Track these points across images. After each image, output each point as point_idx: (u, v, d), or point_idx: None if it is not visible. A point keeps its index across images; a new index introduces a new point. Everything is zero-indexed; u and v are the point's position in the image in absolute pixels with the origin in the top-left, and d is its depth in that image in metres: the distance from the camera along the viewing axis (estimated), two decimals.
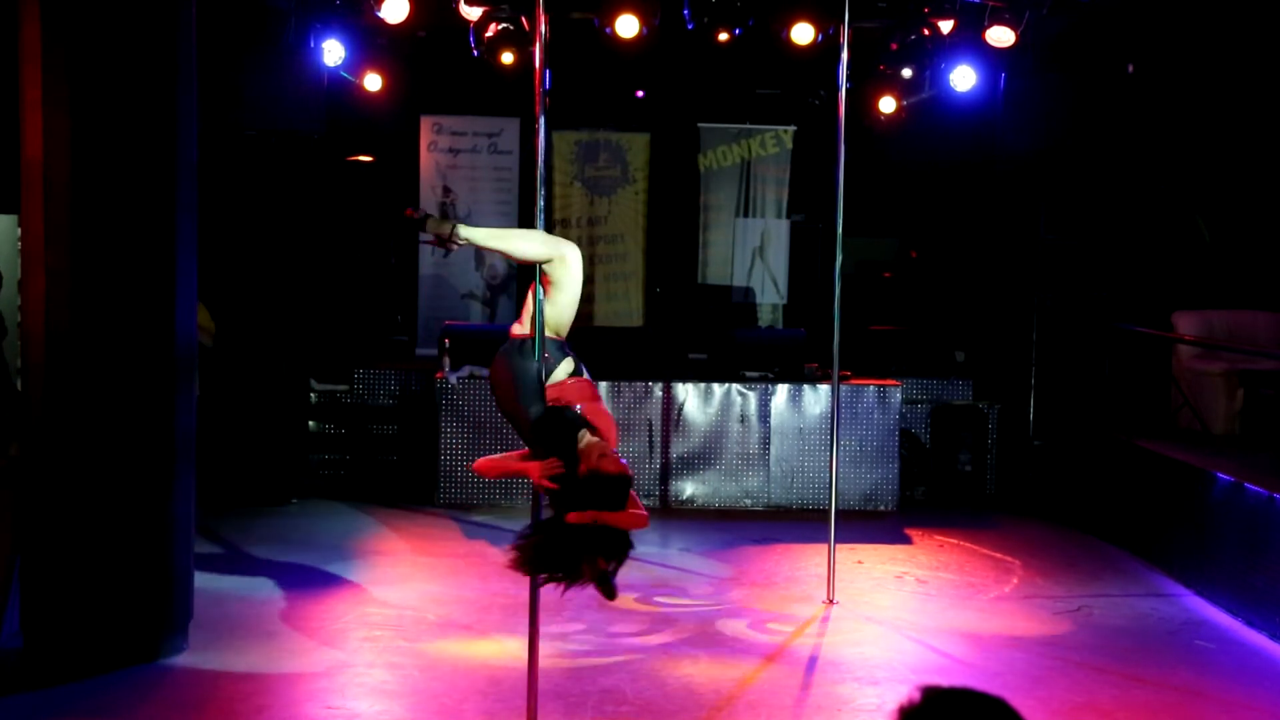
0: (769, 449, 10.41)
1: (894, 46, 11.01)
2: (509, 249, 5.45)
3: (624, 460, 5.07)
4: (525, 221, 12.39)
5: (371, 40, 10.86)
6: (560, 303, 5.25)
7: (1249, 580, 7.58)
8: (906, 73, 11.28)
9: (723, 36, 10.19)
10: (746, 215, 12.91)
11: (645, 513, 5.03)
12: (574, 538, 4.80)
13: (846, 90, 7.99)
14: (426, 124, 12.65)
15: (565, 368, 5.24)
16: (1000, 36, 9.95)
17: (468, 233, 5.32)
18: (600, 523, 4.81)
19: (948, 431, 11.05)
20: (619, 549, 4.84)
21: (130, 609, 6.48)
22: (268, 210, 10.52)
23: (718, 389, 10.45)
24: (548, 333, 5.25)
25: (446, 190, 12.67)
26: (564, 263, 5.23)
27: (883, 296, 12.75)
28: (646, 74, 12.53)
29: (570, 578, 4.81)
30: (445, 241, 5.33)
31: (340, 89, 11.10)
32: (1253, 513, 7.63)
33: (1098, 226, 11.16)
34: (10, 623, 6.53)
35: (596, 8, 9.92)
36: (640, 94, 12.83)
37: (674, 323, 12.64)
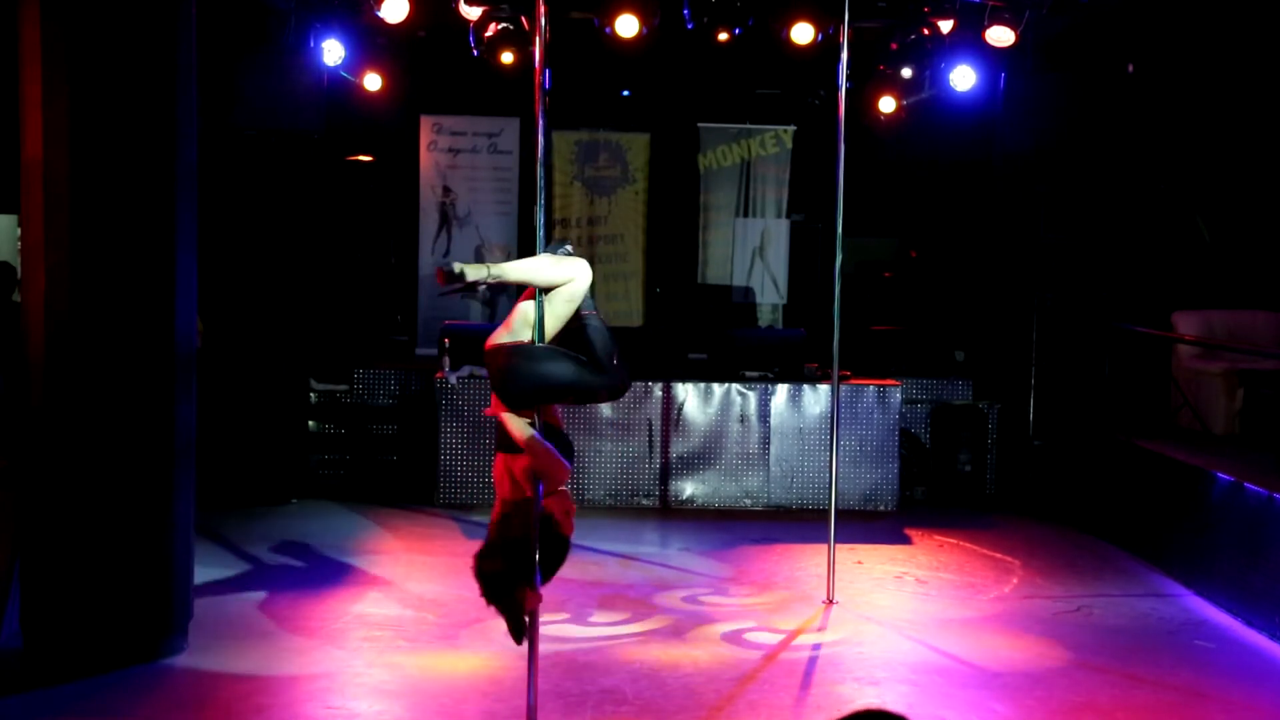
0: (769, 449, 10.41)
1: (894, 46, 11.03)
2: (542, 279, 5.57)
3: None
4: (525, 222, 12.42)
5: (371, 40, 10.86)
6: (560, 313, 5.44)
7: (1248, 580, 7.58)
8: (906, 72, 11.29)
9: (723, 36, 10.20)
10: (746, 215, 12.92)
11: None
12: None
13: (846, 90, 7.99)
14: (426, 124, 12.66)
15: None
16: (1000, 36, 9.96)
17: (498, 269, 5.49)
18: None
19: (948, 431, 11.04)
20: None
21: (130, 609, 6.48)
22: (268, 210, 10.52)
23: (718, 389, 10.45)
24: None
25: (446, 190, 12.68)
26: (586, 274, 5.54)
27: (883, 296, 12.76)
28: (646, 74, 12.54)
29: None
30: (479, 284, 5.49)
31: (340, 89, 11.10)
32: (1253, 513, 7.63)
33: (1098, 226, 11.15)
34: (10, 623, 6.54)
35: (596, 8, 9.92)
36: (626, 93, 12.82)
37: (674, 323, 12.64)
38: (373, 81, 11.14)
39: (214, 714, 5.91)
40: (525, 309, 5.50)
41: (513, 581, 5.27)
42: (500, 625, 7.17)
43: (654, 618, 7.49)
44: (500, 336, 5.51)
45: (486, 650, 6.79)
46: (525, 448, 5.37)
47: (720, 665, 6.69)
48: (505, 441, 5.47)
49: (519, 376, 5.39)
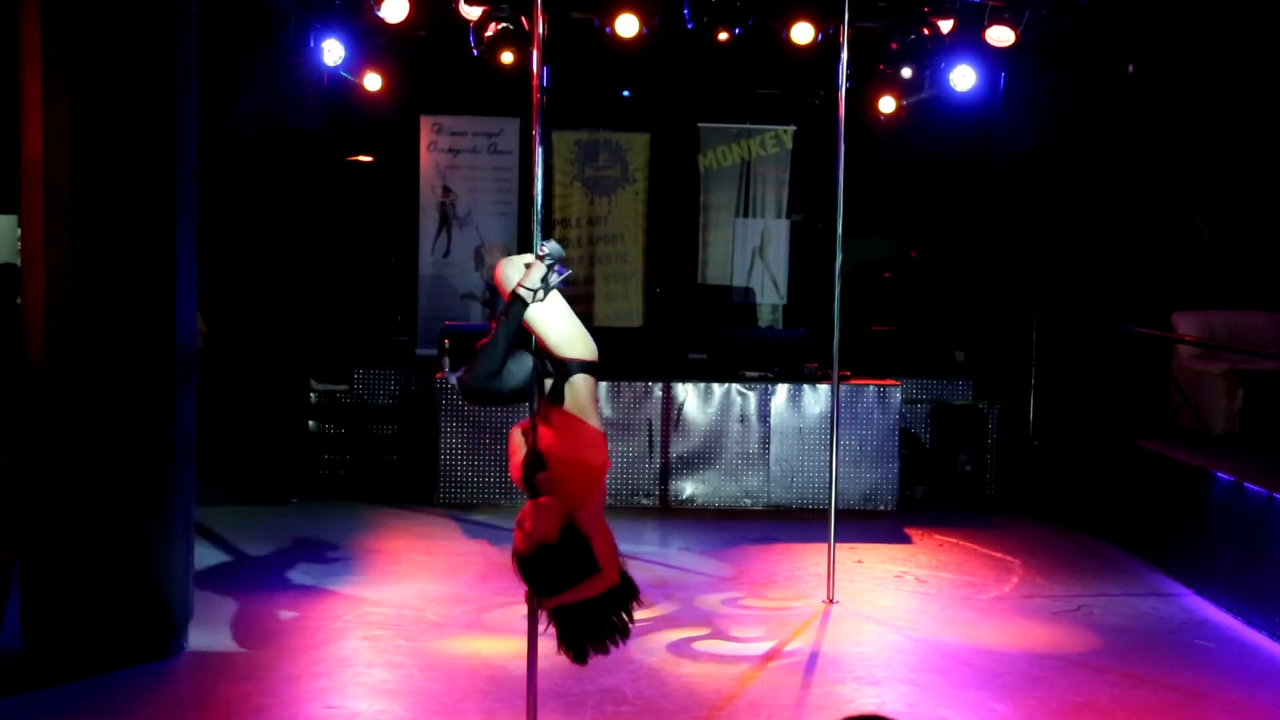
0: (769, 449, 10.41)
1: (894, 46, 11.03)
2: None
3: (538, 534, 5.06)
4: (525, 222, 12.41)
5: (371, 40, 10.87)
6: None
7: (1248, 580, 7.59)
8: (906, 72, 11.30)
9: (723, 36, 10.21)
10: (746, 215, 12.92)
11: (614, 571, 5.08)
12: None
13: (846, 90, 7.99)
14: (426, 124, 12.66)
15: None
16: (1000, 36, 9.96)
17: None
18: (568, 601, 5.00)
19: (948, 431, 11.05)
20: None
21: (130, 608, 6.48)
22: (268, 210, 10.52)
23: (718, 389, 10.45)
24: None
25: (446, 190, 12.68)
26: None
27: (883, 296, 12.76)
28: (646, 74, 12.54)
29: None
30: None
31: (340, 89, 11.10)
32: (1253, 513, 7.63)
33: (1098, 226, 11.16)
34: (10, 623, 6.53)
35: (596, 8, 9.92)
36: (626, 93, 12.83)
37: (674, 323, 12.64)
38: (373, 81, 11.15)
39: (214, 714, 5.91)
40: (571, 316, 5.45)
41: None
42: (499, 625, 7.19)
43: (654, 618, 7.49)
44: (584, 349, 5.37)
45: (487, 650, 6.80)
46: None
47: (720, 665, 6.70)
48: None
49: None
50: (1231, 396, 9.87)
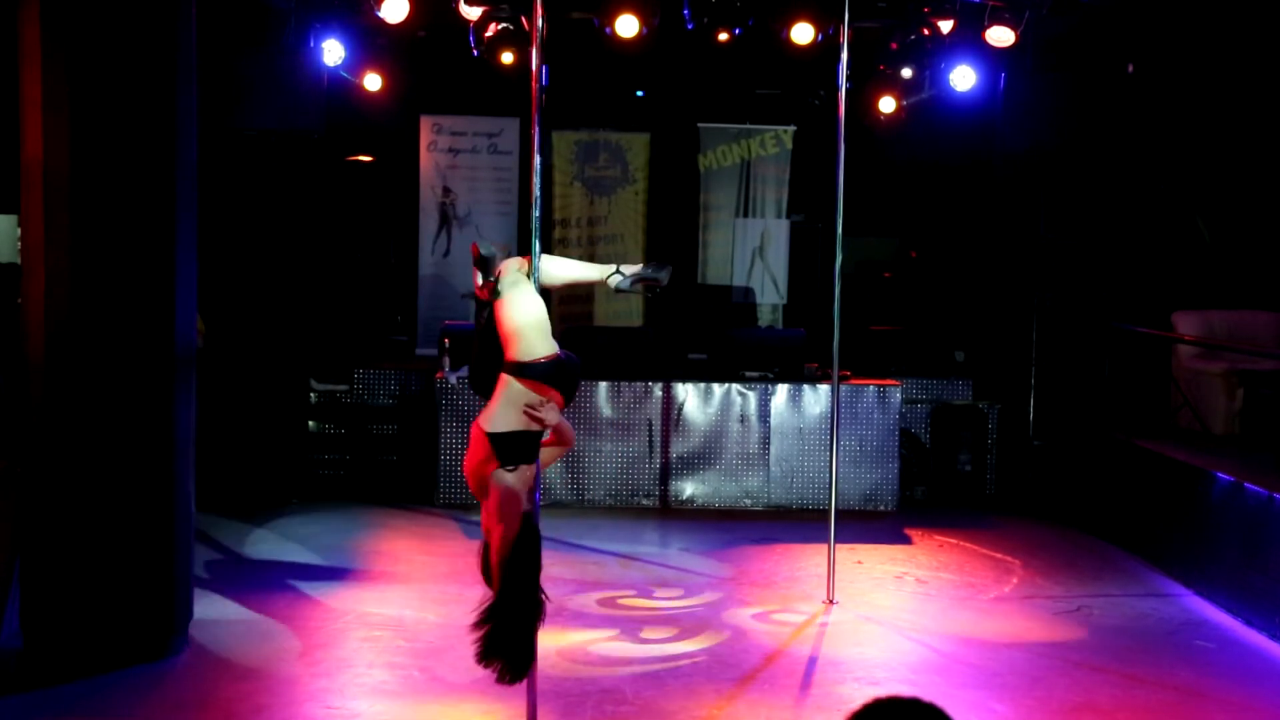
0: (769, 449, 10.41)
1: (894, 46, 11.03)
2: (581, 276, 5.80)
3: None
4: (525, 221, 12.40)
5: (371, 40, 10.86)
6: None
7: (1248, 580, 7.59)
8: (906, 73, 11.29)
9: (723, 36, 10.20)
10: (746, 215, 12.91)
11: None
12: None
13: (846, 90, 8.00)
14: (426, 124, 12.66)
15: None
16: (1000, 36, 9.95)
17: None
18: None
19: (948, 431, 11.04)
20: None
21: (130, 609, 6.48)
22: (268, 210, 10.52)
23: (718, 389, 10.45)
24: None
25: (446, 190, 12.68)
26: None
27: (883, 296, 12.76)
28: (646, 74, 12.54)
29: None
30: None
31: (340, 89, 11.10)
32: (1253, 513, 7.63)
33: (1097, 226, 11.16)
34: (10, 623, 6.53)
35: (596, 8, 9.91)
36: (641, 93, 12.84)
37: (674, 323, 12.64)
38: (373, 81, 11.14)
39: (214, 714, 5.91)
40: (520, 317, 5.47)
41: (518, 615, 5.17)
42: None
43: (654, 618, 7.49)
44: (521, 349, 5.40)
45: None
46: (562, 430, 5.45)
47: (720, 665, 6.69)
48: (521, 450, 5.41)
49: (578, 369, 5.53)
50: (1231, 396, 9.87)
